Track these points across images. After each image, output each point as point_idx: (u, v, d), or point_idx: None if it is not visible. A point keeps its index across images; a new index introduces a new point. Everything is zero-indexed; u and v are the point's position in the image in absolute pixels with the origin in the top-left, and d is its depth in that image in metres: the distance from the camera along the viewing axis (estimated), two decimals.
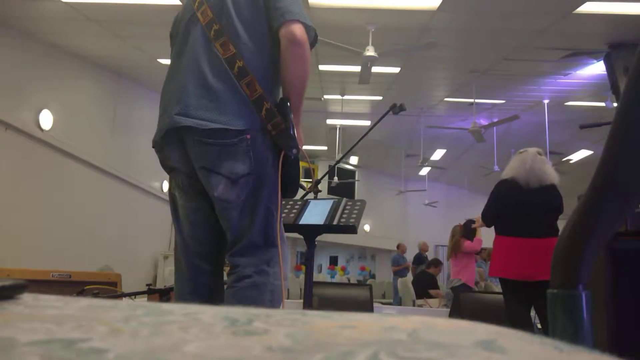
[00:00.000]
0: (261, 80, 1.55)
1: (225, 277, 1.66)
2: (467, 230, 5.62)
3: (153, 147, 1.68)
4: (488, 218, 3.45)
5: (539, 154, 3.34)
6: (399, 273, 9.59)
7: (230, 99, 1.53)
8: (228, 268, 1.59)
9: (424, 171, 12.89)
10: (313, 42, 1.63)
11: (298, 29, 1.54)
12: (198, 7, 1.63)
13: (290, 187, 1.60)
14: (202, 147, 1.51)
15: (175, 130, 1.55)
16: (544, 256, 3.04)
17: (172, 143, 1.59)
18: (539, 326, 3.31)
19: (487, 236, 5.74)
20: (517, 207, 3.24)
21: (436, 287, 7.22)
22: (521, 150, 3.44)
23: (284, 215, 1.92)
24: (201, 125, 1.50)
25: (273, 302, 1.52)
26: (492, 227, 3.47)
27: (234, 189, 1.51)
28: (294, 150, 1.56)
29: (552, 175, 3.29)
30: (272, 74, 1.60)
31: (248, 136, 1.51)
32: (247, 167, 1.51)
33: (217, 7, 1.60)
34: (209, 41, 1.58)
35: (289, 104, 1.57)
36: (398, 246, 10.36)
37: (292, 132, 1.55)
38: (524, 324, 3.09)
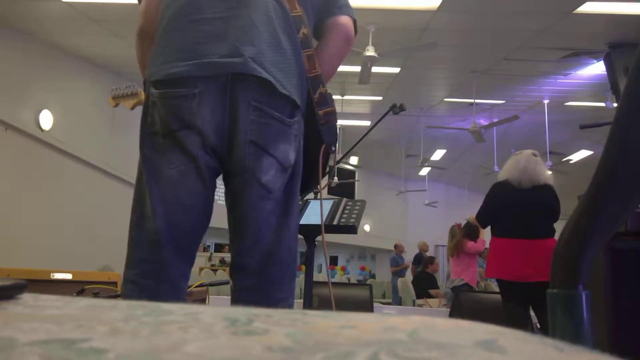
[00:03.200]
0: None
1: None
2: (470, 231, 5.60)
3: (161, 85, 1.22)
4: (482, 219, 3.49)
5: (534, 155, 3.35)
6: (398, 273, 9.59)
7: (295, 66, 1.26)
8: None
9: (424, 171, 12.89)
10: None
11: (352, 27, 1.42)
12: None
13: (315, 184, 1.40)
14: (261, 118, 1.21)
15: (229, 80, 1.19)
16: (537, 257, 3.05)
17: (211, 93, 1.19)
18: (539, 326, 3.31)
19: (487, 237, 5.74)
20: (510, 208, 3.25)
21: (436, 287, 7.22)
22: (517, 152, 3.46)
23: None
24: (278, 86, 1.20)
25: None
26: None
27: (281, 177, 1.26)
28: (333, 147, 1.38)
29: (545, 175, 3.29)
30: None
31: (298, 118, 1.28)
32: (295, 156, 1.28)
33: None
34: None
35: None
36: (396, 246, 10.34)
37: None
38: (522, 324, 3.09)
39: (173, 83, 1.21)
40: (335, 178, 11.31)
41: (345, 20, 1.40)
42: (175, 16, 1.26)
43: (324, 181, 1.48)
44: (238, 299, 1.29)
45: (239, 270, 1.29)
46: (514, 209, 3.23)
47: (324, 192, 1.54)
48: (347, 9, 1.43)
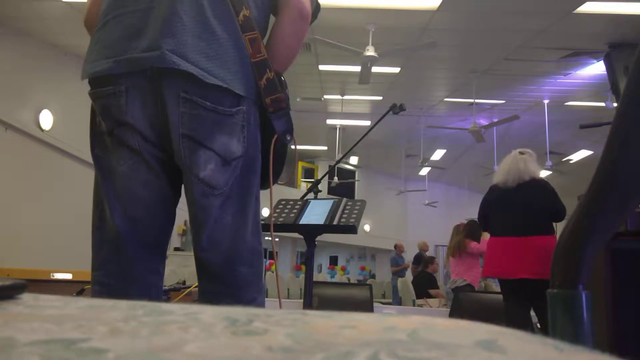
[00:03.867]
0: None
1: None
2: (472, 231, 5.55)
3: (91, 84, 1.22)
4: (480, 222, 3.70)
5: (521, 153, 3.42)
6: (398, 273, 9.59)
7: (232, 52, 1.18)
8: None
9: (424, 171, 12.90)
10: (315, 12, 1.37)
11: (307, 2, 1.30)
12: None
13: (274, 177, 1.32)
14: (192, 110, 1.14)
15: (154, 74, 1.14)
16: (522, 254, 3.14)
17: (139, 89, 1.15)
18: (539, 326, 3.31)
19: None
20: (496, 208, 3.41)
21: (436, 287, 7.21)
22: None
23: (284, 215, 1.91)
24: (204, 76, 1.13)
25: None
26: None
27: (225, 172, 1.19)
28: (288, 136, 1.29)
29: (531, 171, 3.33)
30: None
31: (244, 107, 1.20)
32: (241, 148, 1.20)
33: None
34: None
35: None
36: (396, 246, 10.33)
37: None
38: (520, 324, 3.11)
39: (100, 82, 1.19)
40: (335, 178, 11.32)
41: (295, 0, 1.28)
42: (104, 12, 1.23)
43: (308, 181, 1.42)
44: (207, 302, 1.25)
45: (202, 270, 1.25)
46: (500, 209, 3.38)
47: (324, 190, 1.51)
48: None
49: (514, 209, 3.26)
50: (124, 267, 1.20)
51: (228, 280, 1.24)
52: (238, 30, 1.19)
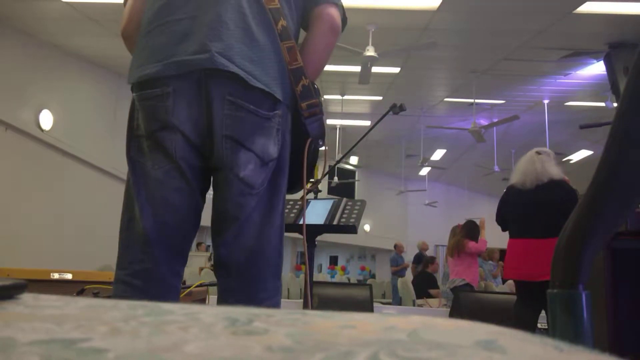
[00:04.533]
0: None
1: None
2: (470, 231, 5.59)
3: (138, 87, 1.24)
4: (498, 223, 3.60)
5: (538, 153, 3.39)
6: (398, 273, 9.59)
7: (272, 59, 1.24)
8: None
9: (424, 171, 12.90)
10: (343, 25, 1.45)
11: (337, 16, 1.38)
12: None
13: (304, 181, 1.37)
14: (236, 112, 1.20)
15: (201, 76, 1.19)
16: (544, 256, 3.06)
17: (185, 91, 1.20)
18: (540, 326, 3.31)
19: (490, 237, 5.74)
20: (516, 210, 3.37)
21: (436, 286, 7.21)
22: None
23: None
24: (249, 79, 1.18)
25: None
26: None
27: (262, 173, 1.24)
28: (320, 141, 1.34)
29: (550, 172, 3.31)
30: None
31: (279, 111, 1.25)
32: (276, 150, 1.26)
33: None
34: None
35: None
36: (396, 246, 10.34)
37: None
38: (529, 325, 3.10)
39: (147, 84, 1.22)
40: (335, 178, 11.32)
41: (330, 9, 1.37)
42: (149, 20, 1.28)
43: (317, 178, 1.46)
44: (223, 299, 1.29)
45: (221, 268, 1.29)
46: (519, 211, 3.33)
47: (324, 190, 1.53)
48: None
49: (535, 211, 3.23)
50: (149, 268, 1.23)
51: (247, 278, 1.27)
52: (277, 38, 1.26)
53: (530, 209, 3.25)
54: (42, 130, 6.31)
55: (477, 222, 5.75)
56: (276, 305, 1.32)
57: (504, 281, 7.48)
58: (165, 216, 1.23)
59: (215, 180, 1.28)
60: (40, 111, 6.30)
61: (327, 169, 1.48)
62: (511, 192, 3.44)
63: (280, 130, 1.26)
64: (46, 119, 6.36)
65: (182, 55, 1.19)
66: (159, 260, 1.23)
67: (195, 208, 1.28)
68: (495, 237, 5.29)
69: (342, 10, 1.43)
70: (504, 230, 3.63)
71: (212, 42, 1.19)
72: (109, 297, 2.02)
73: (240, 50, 1.20)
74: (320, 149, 1.38)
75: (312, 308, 1.99)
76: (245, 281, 1.27)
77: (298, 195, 1.59)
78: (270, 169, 1.26)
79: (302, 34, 1.43)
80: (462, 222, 5.98)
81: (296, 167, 1.33)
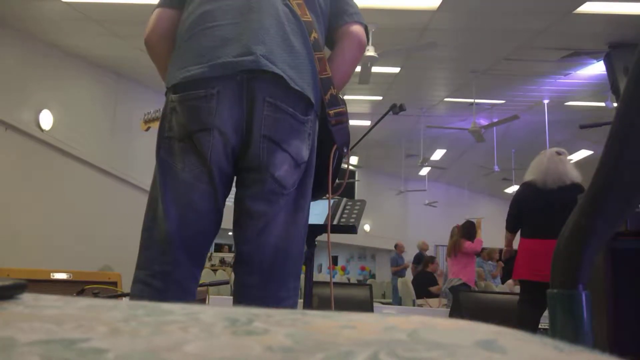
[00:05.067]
0: None
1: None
2: (467, 231, 5.66)
3: (180, 88, 1.26)
4: (510, 221, 3.49)
5: (558, 153, 3.35)
6: (398, 273, 9.59)
7: (307, 66, 1.31)
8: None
9: (424, 171, 12.89)
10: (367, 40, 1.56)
11: (364, 34, 1.49)
12: None
13: (330, 186, 1.42)
14: (275, 113, 1.24)
15: (244, 78, 1.23)
16: None
17: (229, 92, 1.23)
18: (541, 326, 3.31)
19: (487, 237, 5.76)
20: (535, 209, 3.27)
21: (436, 284, 7.23)
22: (542, 151, 3.46)
23: None
24: (290, 82, 1.24)
25: None
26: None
27: (294, 174, 1.28)
28: (345, 149, 1.39)
29: (571, 174, 3.27)
30: None
31: (311, 117, 1.31)
32: (307, 154, 1.31)
33: None
34: None
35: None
36: (396, 246, 10.34)
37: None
38: (530, 326, 3.08)
39: (191, 85, 1.24)
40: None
41: (357, 28, 1.46)
42: (191, 25, 1.31)
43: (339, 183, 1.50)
44: (241, 295, 1.30)
45: (243, 264, 1.29)
46: (539, 210, 3.23)
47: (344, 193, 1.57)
48: (358, 16, 1.50)
49: (559, 211, 3.10)
50: (169, 269, 1.24)
51: (270, 275, 1.28)
52: (310, 48, 1.33)
53: (554, 209, 3.14)
54: (42, 130, 6.30)
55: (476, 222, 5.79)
56: (294, 306, 1.34)
57: (503, 281, 7.49)
58: (189, 218, 1.25)
59: (244, 180, 1.30)
60: (40, 111, 6.30)
61: (347, 175, 1.51)
62: (528, 190, 3.33)
63: (311, 135, 1.31)
64: (46, 119, 6.36)
65: (227, 57, 1.23)
66: (179, 262, 1.24)
67: (217, 213, 1.30)
68: (493, 237, 5.30)
69: (366, 28, 1.53)
70: (512, 230, 3.51)
71: (256, 46, 1.24)
72: (109, 297, 2.02)
73: (280, 55, 1.26)
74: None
75: (312, 308, 1.99)
76: (268, 278, 1.28)
77: None
78: (301, 171, 1.31)
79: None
80: (462, 222, 6.02)
81: (319, 173, 1.38)
